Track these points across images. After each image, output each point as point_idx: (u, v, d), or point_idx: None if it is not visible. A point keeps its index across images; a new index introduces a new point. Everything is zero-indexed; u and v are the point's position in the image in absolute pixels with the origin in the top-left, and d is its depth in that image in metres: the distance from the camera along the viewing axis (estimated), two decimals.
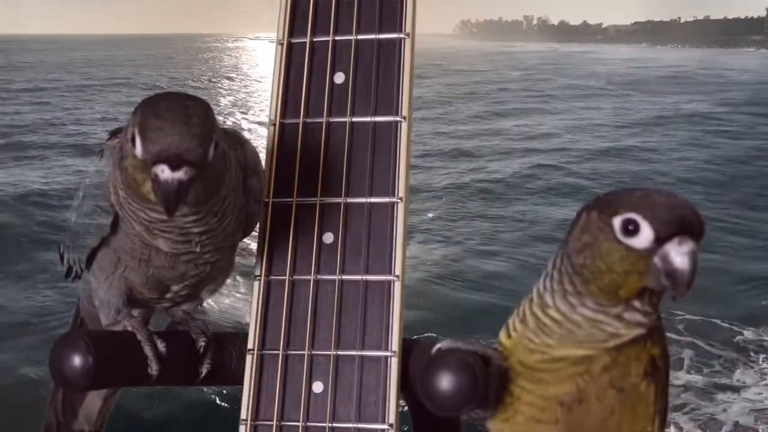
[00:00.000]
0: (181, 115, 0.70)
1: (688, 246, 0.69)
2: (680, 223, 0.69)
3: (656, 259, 0.69)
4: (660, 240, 0.69)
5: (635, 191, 0.72)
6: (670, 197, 0.70)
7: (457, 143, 15.31)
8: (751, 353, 6.36)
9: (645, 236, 0.69)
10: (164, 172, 0.70)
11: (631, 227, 0.70)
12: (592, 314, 0.73)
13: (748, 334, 6.63)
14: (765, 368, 6.16)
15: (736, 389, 5.79)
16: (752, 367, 6.13)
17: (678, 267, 0.69)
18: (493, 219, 9.98)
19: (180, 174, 0.70)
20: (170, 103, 0.71)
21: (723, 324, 6.68)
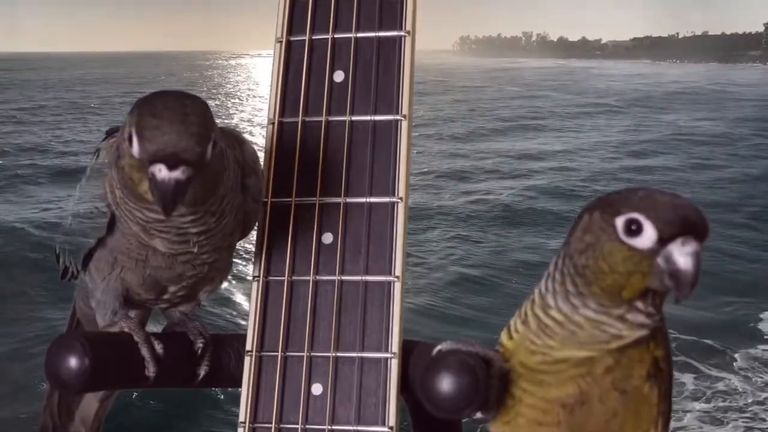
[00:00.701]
0: (178, 114, 0.69)
1: (691, 246, 0.68)
2: (684, 223, 0.68)
3: (659, 260, 0.69)
4: (663, 240, 0.68)
5: (638, 191, 0.71)
6: (673, 197, 0.70)
7: (455, 161, 15.31)
8: None
9: (648, 236, 0.69)
10: (161, 171, 0.69)
11: (633, 227, 0.69)
12: (595, 315, 0.72)
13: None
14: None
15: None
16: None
17: (681, 267, 0.68)
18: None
19: (177, 173, 0.69)
20: (167, 102, 0.71)
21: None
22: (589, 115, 23.55)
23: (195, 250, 0.79)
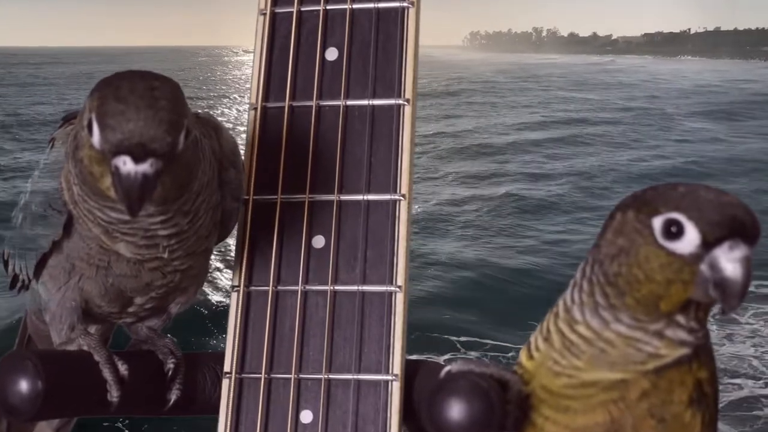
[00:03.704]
0: (146, 98, 0.64)
1: (740, 251, 0.64)
2: (732, 225, 0.65)
3: (703, 267, 0.65)
4: (708, 244, 0.65)
5: (678, 187, 0.67)
6: (719, 195, 0.66)
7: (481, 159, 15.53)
8: None
9: (690, 240, 0.65)
10: (126, 164, 0.64)
11: (673, 229, 0.65)
12: (628, 331, 0.68)
13: None
14: None
15: None
16: None
17: (729, 276, 0.65)
18: None
19: (145, 167, 0.64)
20: (133, 84, 0.65)
21: None
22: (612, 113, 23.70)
23: (165, 255, 0.73)
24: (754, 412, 5.84)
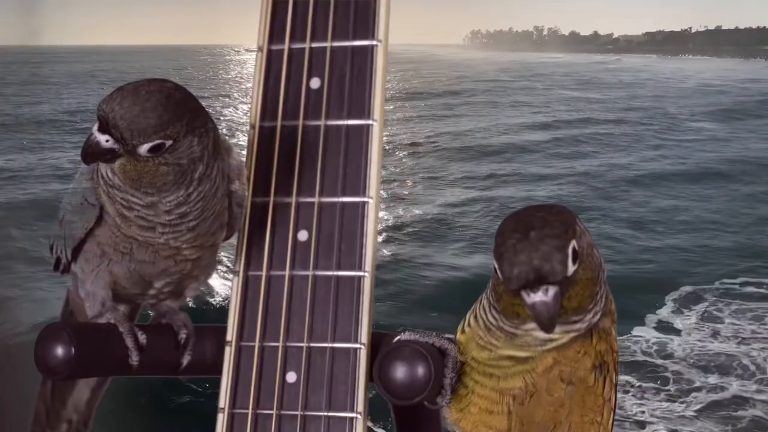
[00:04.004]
0: (132, 93, 0.75)
1: (537, 296, 0.71)
2: (521, 280, 0.71)
3: (523, 295, 0.72)
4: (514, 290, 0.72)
5: (503, 230, 0.73)
6: (518, 245, 0.71)
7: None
8: None
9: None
10: (95, 133, 0.76)
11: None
12: (512, 329, 0.76)
13: None
14: None
15: None
16: None
17: (534, 312, 0.71)
18: None
19: (101, 137, 0.76)
20: (130, 85, 0.76)
21: None
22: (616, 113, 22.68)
23: (161, 240, 0.82)
24: (738, 412, 5.82)
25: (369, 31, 0.88)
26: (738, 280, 8.61)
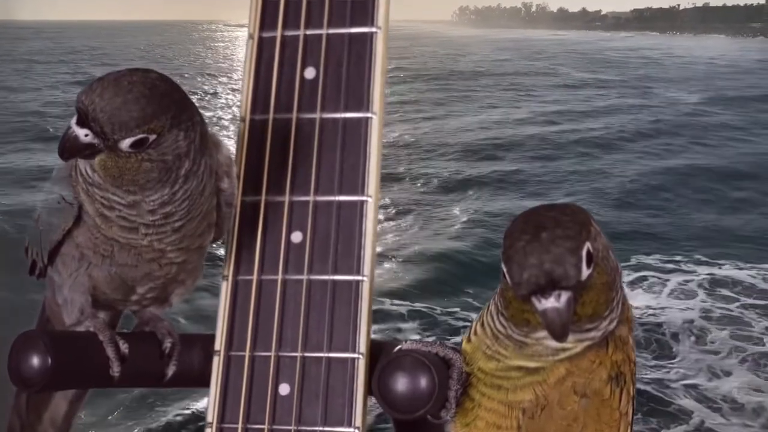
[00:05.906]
0: (116, 85, 0.71)
1: (549, 302, 0.68)
2: (533, 285, 0.68)
3: (533, 299, 0.69)
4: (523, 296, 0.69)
5: (511, 231, 0.70)
6: (528, 246, 0.68)
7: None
8: None
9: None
10: (73, 127, 0.72)
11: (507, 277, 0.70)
12: (521, 338, 0.73)
13: None
14: None
15: None
16: None
17: (545, 320, 0.68)
18: None
19: (80, 131, 0.72)
20: (111, 75, 0.73)
21: None
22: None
23: (145, 242, 0.79)
24: None
25: (368, 17, 0.84)
26: None
